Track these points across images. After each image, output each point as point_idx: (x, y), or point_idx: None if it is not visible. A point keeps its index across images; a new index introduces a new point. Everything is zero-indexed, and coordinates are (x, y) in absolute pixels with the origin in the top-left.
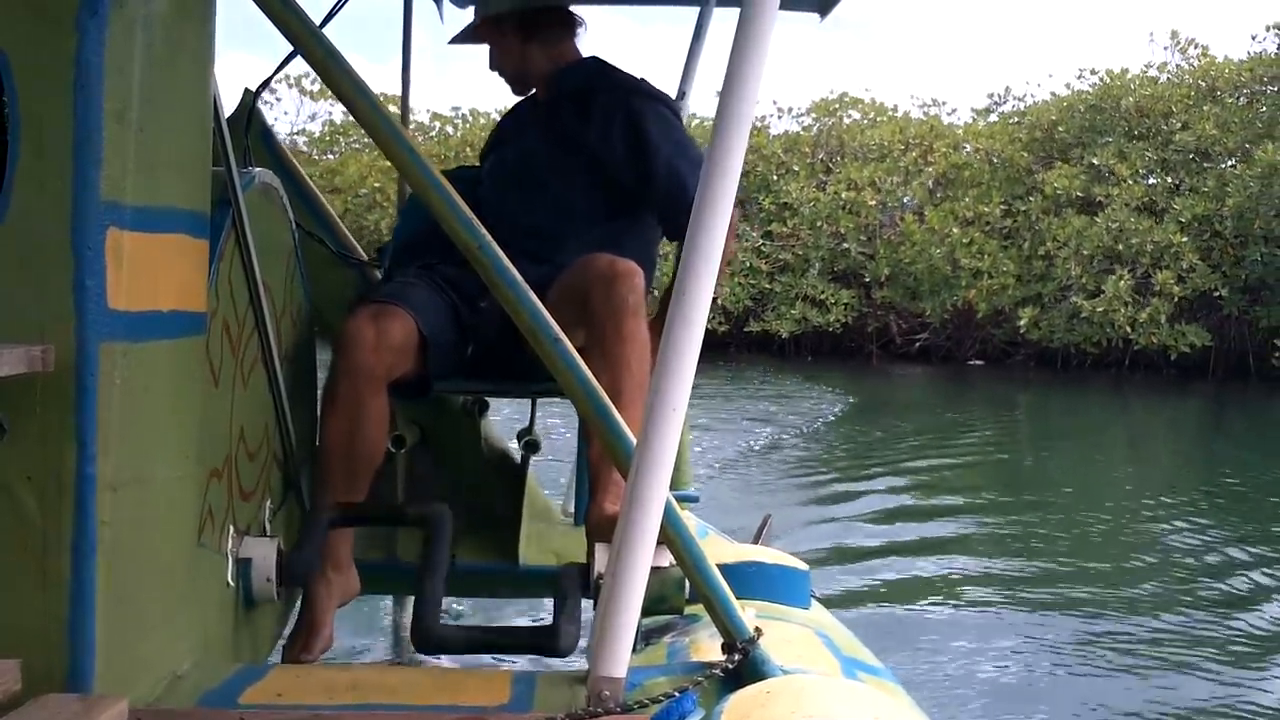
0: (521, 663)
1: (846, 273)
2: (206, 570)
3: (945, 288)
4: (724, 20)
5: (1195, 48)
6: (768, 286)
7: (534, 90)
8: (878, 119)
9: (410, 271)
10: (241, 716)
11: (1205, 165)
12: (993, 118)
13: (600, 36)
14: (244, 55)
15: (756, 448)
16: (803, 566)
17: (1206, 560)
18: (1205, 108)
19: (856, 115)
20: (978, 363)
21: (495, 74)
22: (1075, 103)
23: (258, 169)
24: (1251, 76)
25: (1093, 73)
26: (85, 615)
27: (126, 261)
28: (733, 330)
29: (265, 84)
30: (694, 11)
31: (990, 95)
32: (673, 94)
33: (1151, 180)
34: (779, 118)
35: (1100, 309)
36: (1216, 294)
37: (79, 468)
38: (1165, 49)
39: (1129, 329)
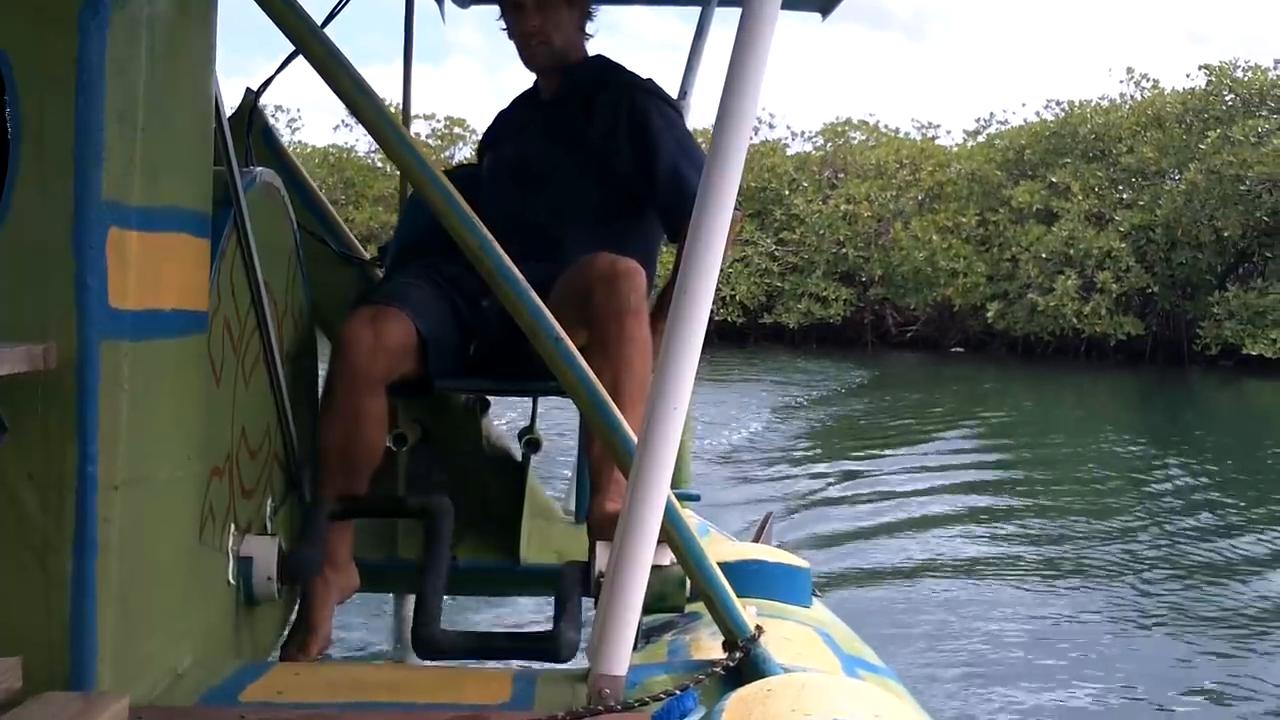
0: (522, 661)
1: (846, 273)
2: (208, 569)
3: (926, 285)
4: (726, 21)
5: (1147, 80)
6: (779, 285)
7: (535, 84)
8: (879, 140)
9: (411, 271)
10: (242, 714)
11: (1144, 183)
12: (981, 138)
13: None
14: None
15: (805, 402)
16: (804, 564)
17: (1143, 465)
18: (1149, 133)
19: (861, 136)
20: (959, 350)
21: (514, 27)
22: (1042, 129)
23: (259, 168)
24: (1184, 109)
25: (1057, 103)
26: (87, 613)
27: (128, 260)
28: (749, 322)
29: (267, 83)
30: (695, 11)
31: (977, 119)
32: (674, 94)
33: (1123, 197)
34: (793, 140)
35: (1052, 304)
36: (1150, 291)
37: (80, 466)
38: (1120, 82)
39: (1075, 320)
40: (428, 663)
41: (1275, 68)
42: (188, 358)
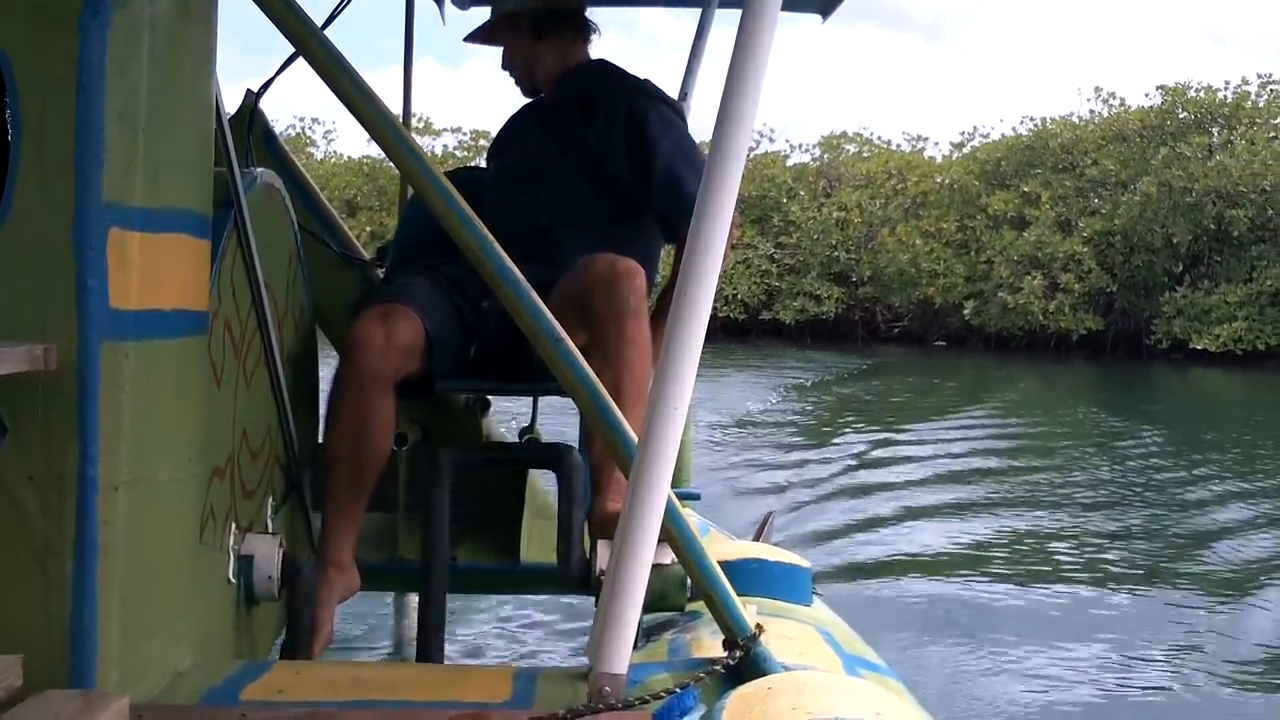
0: (523, 659)
1: (838, 274)
2: (208, 568)
3: (910, 285)
4: (730, 21)
5: (1114, 98)
6: (777, 284)
7: (542, 93)
8: (872, 152)
9: (414, 271)
10: (243, 713)
11: (1106, 193)
12: (967, 150)
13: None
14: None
15: (809, 384)
16: (804, 563)
17: (1108, 438)
18: (1112, 147)
19: (854, 148)
20: (941, 343)
21: (506, 73)
22: (1016, 143)
23: (260, 169)
24: (1143, 125)
25: (1031, 119)
26: (87, 614)
27: (129, 261)
28: (750, 318)
29: (267, 84)
30: (696, 13)
31: (962, 133)
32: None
33: (1087, 206)
34: (792, 152)
35: (1021, 302)
36: (1110, 291)
37: (81, 467)
38: (1088, 100)
39: (1041, 317)
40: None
41: (1225, 88)
42: (188, 358)
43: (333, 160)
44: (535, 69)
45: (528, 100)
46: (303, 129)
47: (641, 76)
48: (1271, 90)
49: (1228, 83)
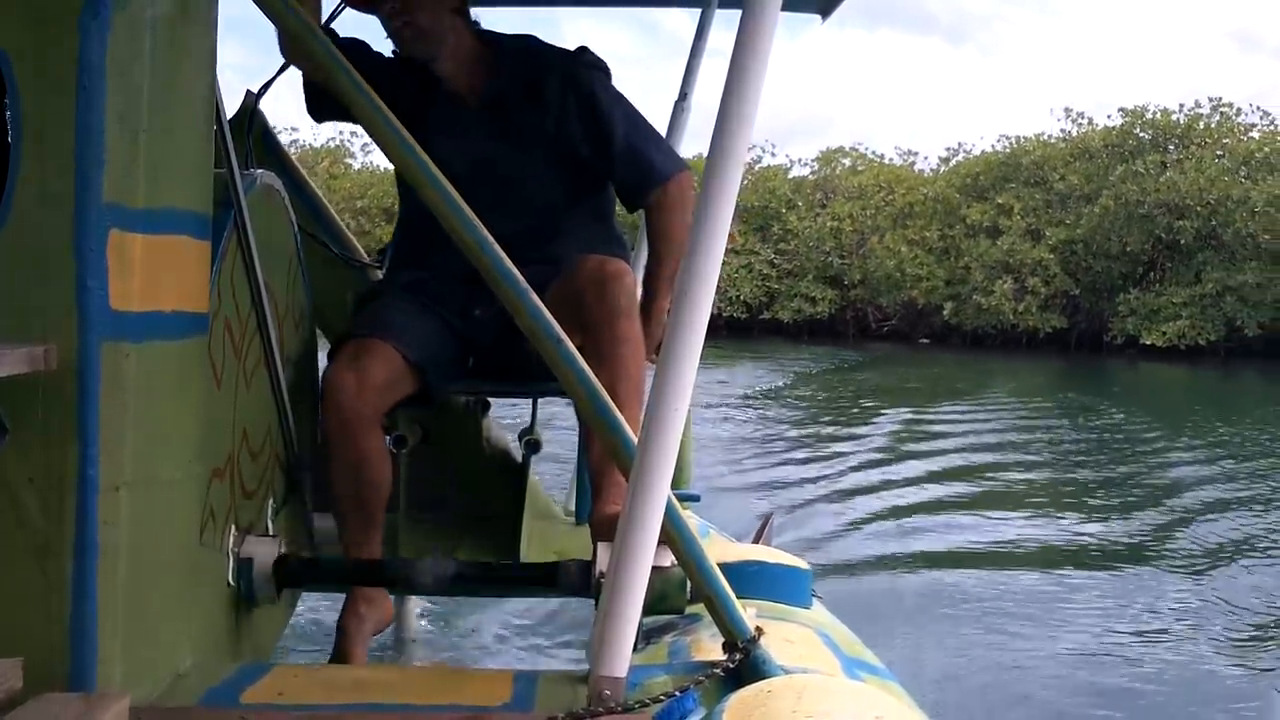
0: (524, 662)
1: (831, 277)
2: (208, 570)
3: (896, 288)
4: (728, 22)
5: (1083, 118)
6: (776, 287)
7: (421, 66)
8: (866, 166)
9: (398, 290)
10: (243, 715)
11: (1070, 205)
12: (952, 164)
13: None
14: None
15: (813, 373)
16: (804, 566)
17: (1074, 414)
18: (1078, 164)
19: (849, 162)
20: (925, 341)
21: (385, 19)
22: (993, 160)
23: (260, 170)
24: (1103, 145)
25: (1007, 138)
26: (87, 615)
27: (129, 262)
28: (751, 318)
29: (267, 85)
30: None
31: (948, 148)
32: (675, 96)
33: (1054, 217)
34: (792, 166)
35: (993, 303)
36: (1072, 293)
37: (81, 468)
38: (1059, 120)
39: (1011, 317)
40: (428, 662)
41: (1180, 110)
42: (189, 359)
43: (369, 171)
44: (417, 15)
45: (409, 64)
46: (342, 140)
47: (569, 47)
48: (1222, 112)
49: (1182, 105)
